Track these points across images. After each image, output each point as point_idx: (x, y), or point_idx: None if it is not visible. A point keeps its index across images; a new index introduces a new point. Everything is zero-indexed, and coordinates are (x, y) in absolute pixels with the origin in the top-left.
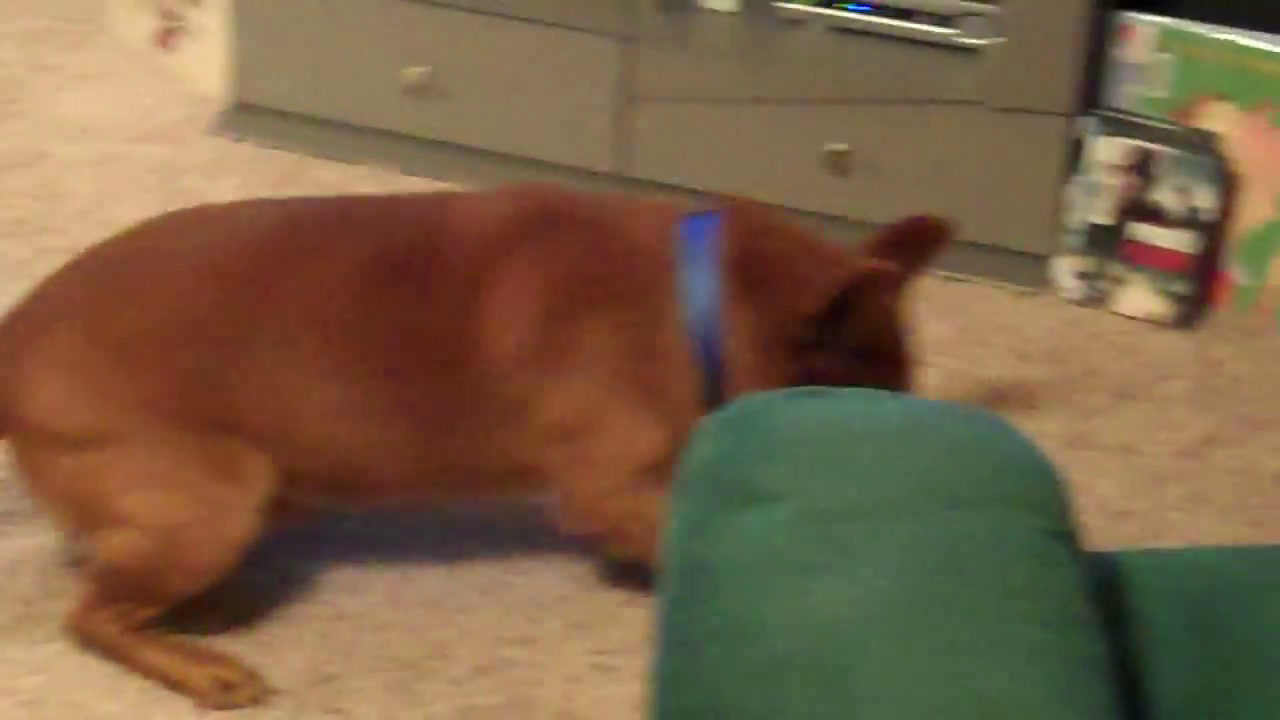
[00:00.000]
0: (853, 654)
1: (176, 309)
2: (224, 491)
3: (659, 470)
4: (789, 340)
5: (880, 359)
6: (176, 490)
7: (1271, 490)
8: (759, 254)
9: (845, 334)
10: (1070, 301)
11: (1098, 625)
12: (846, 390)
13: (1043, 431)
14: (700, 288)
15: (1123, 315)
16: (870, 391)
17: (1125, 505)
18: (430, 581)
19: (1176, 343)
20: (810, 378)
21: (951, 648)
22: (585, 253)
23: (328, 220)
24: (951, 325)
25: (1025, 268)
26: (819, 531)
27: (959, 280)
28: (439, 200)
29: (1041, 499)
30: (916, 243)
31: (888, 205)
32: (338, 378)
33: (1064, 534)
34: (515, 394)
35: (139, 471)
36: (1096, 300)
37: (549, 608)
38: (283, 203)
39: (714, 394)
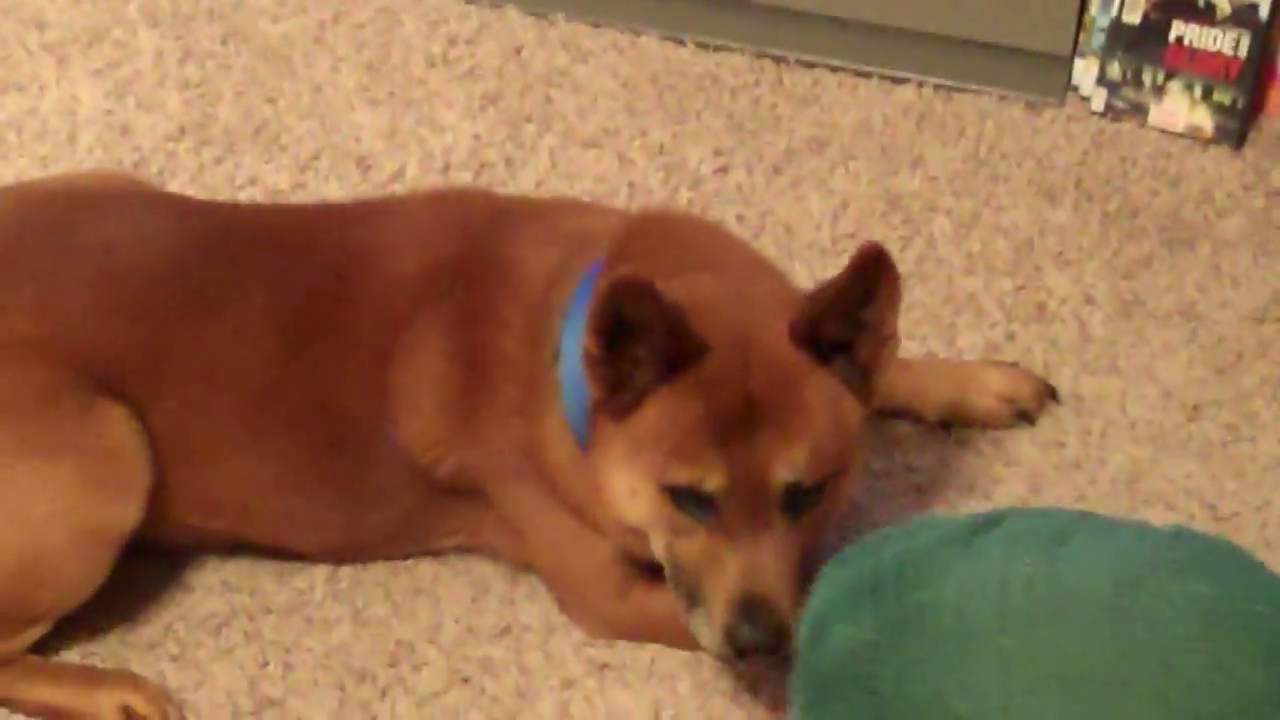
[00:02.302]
0: None
1: (68, 323)
2: (97, 498)
3: (629, 559)
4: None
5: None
6: (40, 495)
7: None
8: None
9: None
10: (1096, 114)
11: None
12: (1010, 521)
13: (1087, 296)
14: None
15: (1158, 130)
16: (1042, 523)
17: (1198, 395)
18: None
19: (1226, 165)
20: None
21: None
22: (486, 327)
23: (236, 248)
24: (961, 152)
25: (1042, 73)
26: None
27: (965, 90)
28: (353, 223)
29: None
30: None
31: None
32: (252, 448)
33: None
34: (444, 476)
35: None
36: (1127, 113)
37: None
38: (182, 211)
39: None
